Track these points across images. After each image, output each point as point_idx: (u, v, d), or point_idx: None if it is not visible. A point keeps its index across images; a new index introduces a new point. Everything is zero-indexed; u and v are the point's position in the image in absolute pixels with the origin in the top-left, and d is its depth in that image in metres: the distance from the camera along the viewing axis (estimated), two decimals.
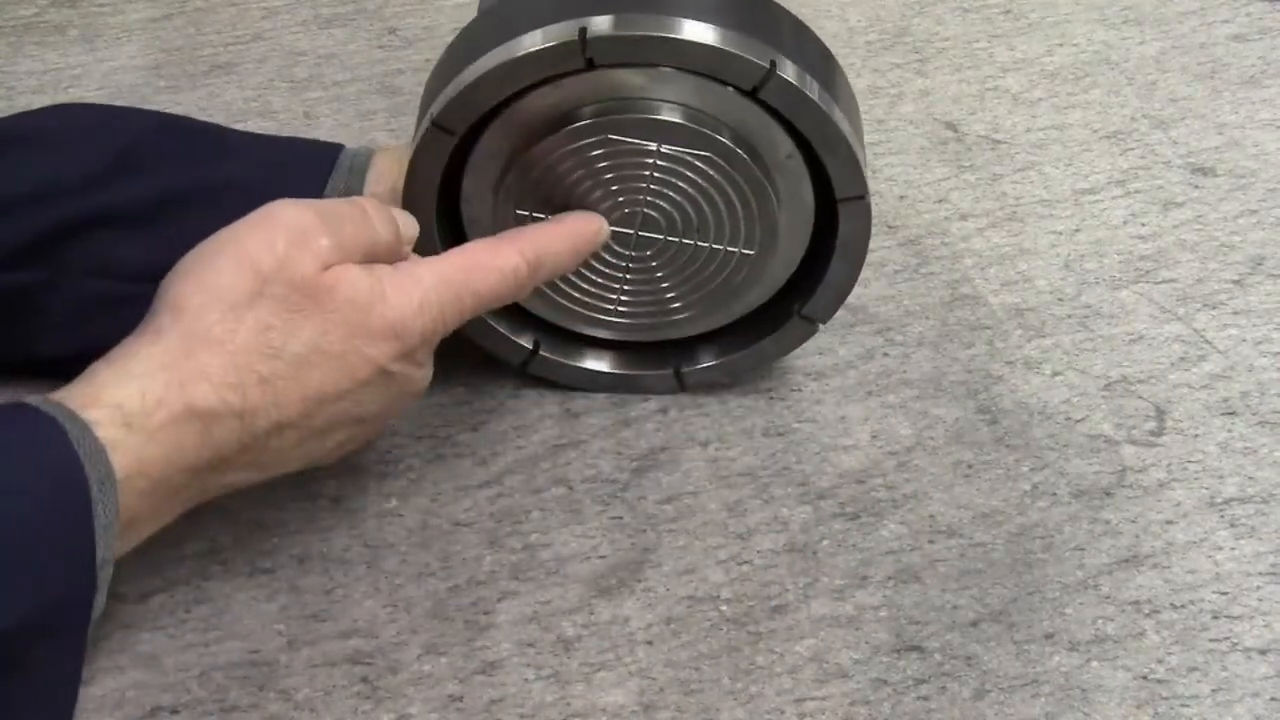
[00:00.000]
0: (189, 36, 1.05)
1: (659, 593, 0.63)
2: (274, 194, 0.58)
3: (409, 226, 0.61)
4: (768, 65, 0.61)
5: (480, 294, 0.60)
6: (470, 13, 0.69)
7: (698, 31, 0.60)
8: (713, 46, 0.60)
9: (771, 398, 0.73)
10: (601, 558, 0.65)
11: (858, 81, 0.99)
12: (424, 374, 0.60)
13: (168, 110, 0.96)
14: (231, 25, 1.06)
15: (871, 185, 0.89)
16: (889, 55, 1.03)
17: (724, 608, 0.63)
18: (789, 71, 0.61)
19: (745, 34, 0.61)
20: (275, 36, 1.05)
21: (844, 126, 0.63)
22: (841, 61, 0.68)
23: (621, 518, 0.67)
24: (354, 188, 0.68)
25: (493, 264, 0.60)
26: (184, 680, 0.59)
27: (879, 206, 0.87)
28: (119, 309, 0.59)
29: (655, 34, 0.60)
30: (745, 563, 0.65)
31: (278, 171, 0.68)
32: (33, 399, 0.51)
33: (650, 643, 0.61)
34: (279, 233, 0.55)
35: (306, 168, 0.69)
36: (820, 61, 0.65)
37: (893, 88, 0.99)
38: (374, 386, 0.57)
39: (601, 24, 0.60)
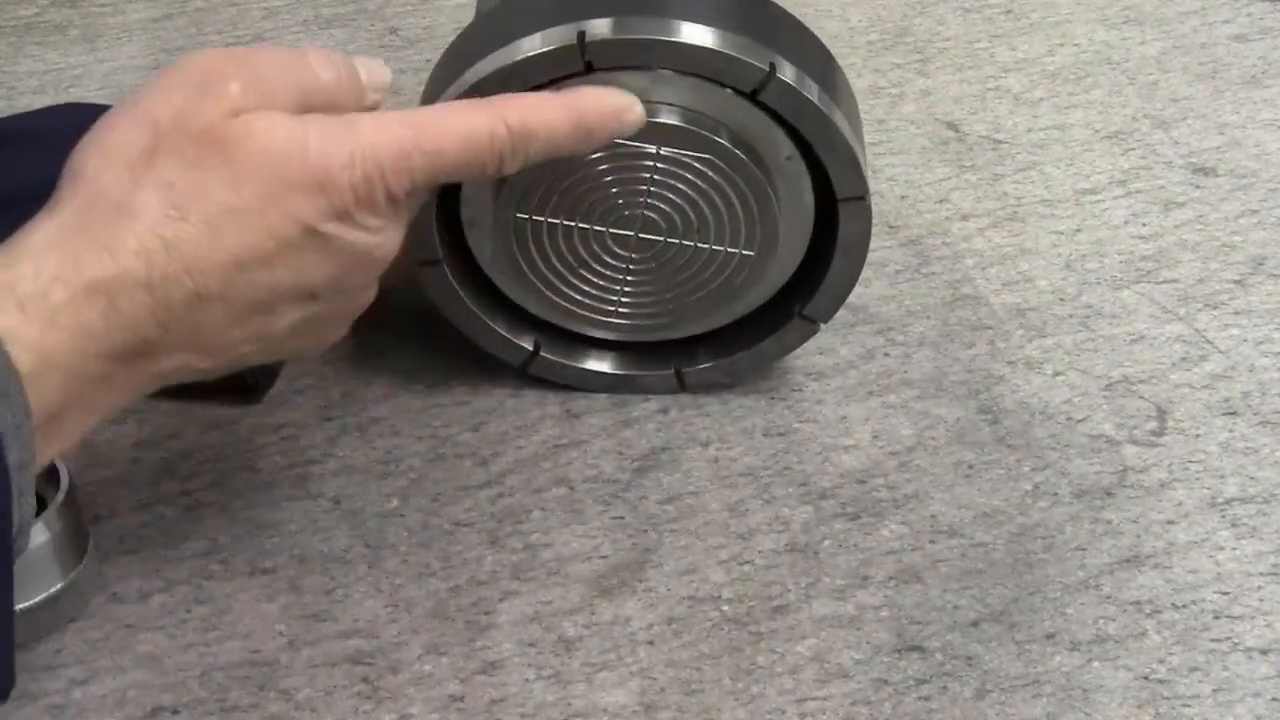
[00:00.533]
0: (190, 37, 1.05)
1: (660, 593, 0.63)
2: None
3: (375, 73, 0.54)
4: (767, 68, 0.61)
5: (439, 154, 0.51)
6: (470, 14, 0.69)
7: (696, 34, 0.60)
8: (712, 49, 0.60)
9: (772, 398, 0.73)
10: (603, 558, 0.65)
11: (858, 81, 0.99)
12: (374, 240, 0.52)
13: None
14: (232, 25, 1.06)
15: (872, 185, 0.89)
16: (890, 55, 1.03)
17: (725, 608, 0.63)
18: (788, 73, 0.61)
19: (744, 36, 0.61)
20: (276, 36, 1.05)
21: (844, 128, 0.63)
22: (842, 62, 0.68)
23: (623, 518, 0.67)
24: None
25: (459, 121, 0.52)
26: (184, 680, 0.59)
27: (880, 207, 0.87)
28: None
29: (654, 37, 0.60)
30: (746, 563, 0.65)
31: None
32: None
33: (651, 643, 0.61)
34: (182, 81, 0.49)
35: None
36: (820, 63, 0.65)
37: (894, 88, 0.99)
38: (306, 251, 0.50)
39: (600, 27, 0.60)
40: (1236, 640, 0.61)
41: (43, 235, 0.48)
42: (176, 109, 0.48)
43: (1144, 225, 0.86)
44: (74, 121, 0.70)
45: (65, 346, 0.46)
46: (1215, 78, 1.01)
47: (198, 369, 0.52)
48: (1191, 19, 1.08)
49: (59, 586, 0.60)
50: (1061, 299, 0.80)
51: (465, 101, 0.54)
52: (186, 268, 0.48)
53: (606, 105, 0.56)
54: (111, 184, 0.48)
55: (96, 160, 0.48)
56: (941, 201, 0.88)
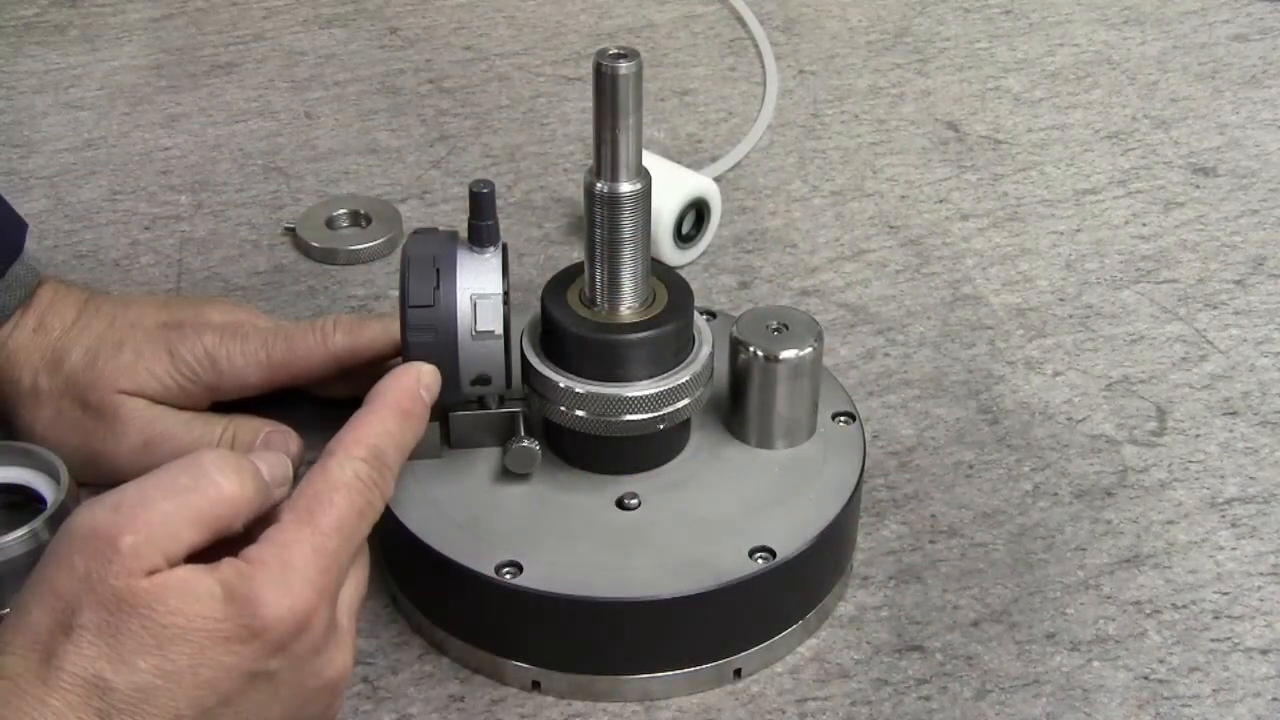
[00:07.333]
0: (190, 36, 1.05)
1: None
2: None
3: (276, 469, 0.51)
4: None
5: (340, 529, 0.50)
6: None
7: None
8: None
9: None
10: None
11: (859, 81, 0.99)
12: (320, 661, 0.50)
13: (170, 110, 0.96)
14: (232, 25, 1.06)
15: (872, 185, 0.90)
16: (890, 55, 1.03)
17: None
18: None
19: None
20: (276, 36, 1.05)
21: None
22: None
23: None
24: (2, 303, 0.63)
25: (329, 488, 0.50)
26: None
27: (880, 207, 0.87)
28: None
29: None
30: None
31: None
32: None
33: None
34: (80, 547, 0.46)
35: None
36: None
37: (894, 88, 0.99)
38: (253, 692, 0.48)
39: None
40: (1236, 640, 0.61)
41: None
42: (80, 579, 0.46)
43: (1144, 225, 0.86)
44: None
45: None
46: (1215, 78, 1.01)
47: None
48: (1191, 19, 1.08)
49: None
50: (1061, 299, 0.80)
51: (316, 468, 0.52)
52: None
53: (406, 384, 0.55)
54: (35, 666, 0.45)
55: (13, 638, 0.46)
56: (941, 201, 0.88)
